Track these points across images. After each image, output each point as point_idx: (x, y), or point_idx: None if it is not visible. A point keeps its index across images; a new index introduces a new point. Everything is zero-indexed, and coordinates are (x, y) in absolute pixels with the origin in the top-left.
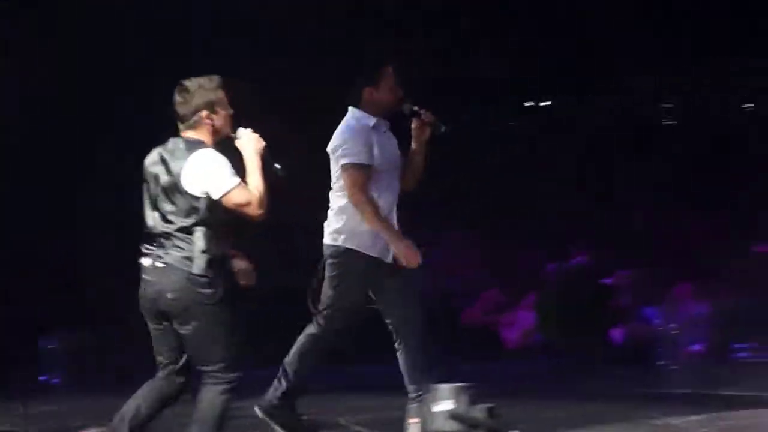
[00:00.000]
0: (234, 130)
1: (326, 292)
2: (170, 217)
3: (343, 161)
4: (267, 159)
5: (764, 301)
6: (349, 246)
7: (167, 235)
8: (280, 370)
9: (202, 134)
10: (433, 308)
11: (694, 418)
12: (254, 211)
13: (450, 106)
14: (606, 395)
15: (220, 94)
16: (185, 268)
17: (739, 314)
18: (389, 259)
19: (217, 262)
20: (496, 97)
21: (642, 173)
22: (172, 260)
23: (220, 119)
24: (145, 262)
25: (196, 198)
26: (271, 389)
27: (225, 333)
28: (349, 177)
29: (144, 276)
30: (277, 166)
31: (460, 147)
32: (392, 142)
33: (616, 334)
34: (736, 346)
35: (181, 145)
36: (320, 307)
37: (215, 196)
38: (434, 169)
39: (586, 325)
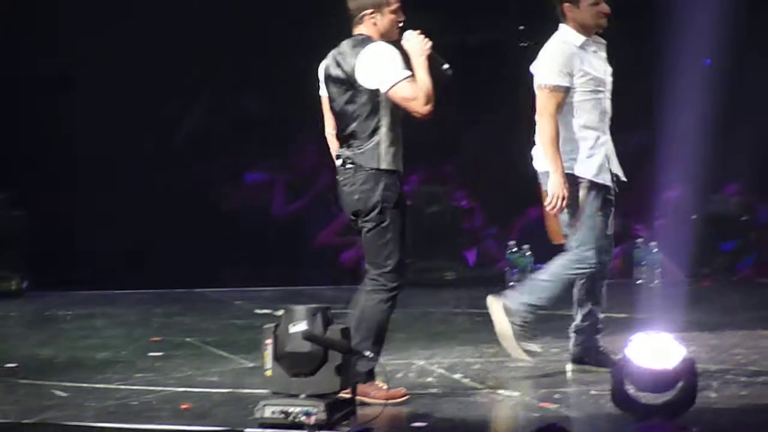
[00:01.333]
0: (401, 36)
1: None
2: (353, 117)
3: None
4: (435, 59)
5: None
6: None
7: (353, 135)
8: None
9: (369, 32)
10: (286, 230)
11: None
12: (420, 106)
13: None
14: (453, 314)
15: None
16: (372, 166)
17: None
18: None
19: (399, 158)
20: None
21: None
22: (359, 159)
23: (384, 20)
24: (337, 163)
25: (374, 92)
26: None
27: (397, 238)
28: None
29: (337, 177)
30: (446, 66)
31: None
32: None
33: (470, 255)
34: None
35: (351, 42)
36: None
37: (383, 89)
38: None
39: (439, 246)
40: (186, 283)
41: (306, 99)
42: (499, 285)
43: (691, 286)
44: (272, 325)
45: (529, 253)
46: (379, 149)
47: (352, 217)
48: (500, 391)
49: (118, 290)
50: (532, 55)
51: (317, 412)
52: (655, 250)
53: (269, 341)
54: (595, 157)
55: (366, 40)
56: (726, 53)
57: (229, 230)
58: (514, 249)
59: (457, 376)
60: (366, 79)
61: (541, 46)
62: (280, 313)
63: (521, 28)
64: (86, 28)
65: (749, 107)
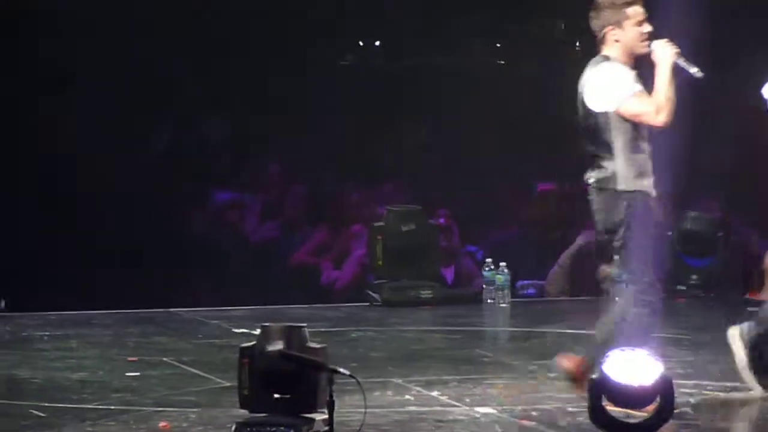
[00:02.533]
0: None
1: None
2: (593, 138)
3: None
4: (680, 65)
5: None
6: None
7: (594, 155)
8: None
9: (610, 50)
10: (261, 252)
11: None
12: (652, 119)
13: None
14: (429, 332)
15: (631, 11)
16: (610, 186)
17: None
18: None
19: (644, 177)
20: None
21: None
22: (599, 181)
23: (627, 35)
24: (589, 182)
25: (604, 114)
26: None
27: (646, 251)
28: None
29: (589, 197)
30: (693, 69)
31: None
32: None
33: (448, 273)
34: (520, 283)
35: (589, 65)
36: None
37: (610, 109)
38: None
39: (417, 264)
40: (161, 303)
41: (269, 120)
42: (477, 303)
43: (667, 302)
44: (249, 344)
45: (506, 270)
46: (617, 170)
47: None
48: (478, 409)
49: (93, 311)
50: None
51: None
52: None
53: (246, 360)
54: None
55: (601, 59)
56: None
57: (202, 250)
58: (491, 266)
59: (434, 393)
60: (593, 103)
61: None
62: (257, 332)
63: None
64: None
65: (721, 120)
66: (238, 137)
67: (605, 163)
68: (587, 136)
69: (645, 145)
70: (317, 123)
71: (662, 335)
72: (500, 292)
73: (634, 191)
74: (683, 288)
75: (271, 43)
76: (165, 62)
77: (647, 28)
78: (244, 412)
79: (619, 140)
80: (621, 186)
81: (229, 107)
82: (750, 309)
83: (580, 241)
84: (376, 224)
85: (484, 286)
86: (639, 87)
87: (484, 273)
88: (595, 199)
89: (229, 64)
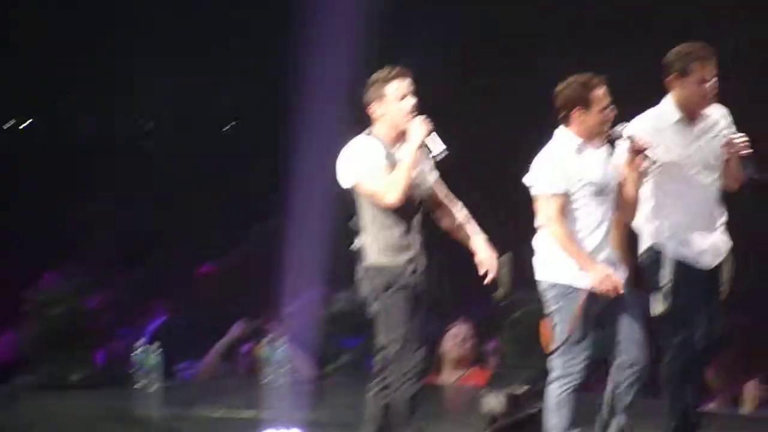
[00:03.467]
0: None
1: None
2: (354, 209)
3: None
4: (429, 144)
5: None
6: None
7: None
8: None
9: (376, 125)
10: None
11: None
12: (382, 199)
13: None
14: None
15: (394, 86)
16: (361, 260)
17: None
18: None
19: (394, 251)
20: None
21: None
22: (357, 252)
23: (390, 109)
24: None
25: (348, 190)
26: None
27: (385, 328)
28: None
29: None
30: (439, 149)
31: None
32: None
33: (100, 356)
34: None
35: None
36: None
37: (347, 186)
38: None
39: (66, 346)
40: None
41: None
42: (127, 385)
43: (318, 383)
44: None
45: (157, 352)
46: (365, 244)
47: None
48: None
49: None
50: None
51: None
52: (284, 347)
53: None
54: None
55: (357, 136)
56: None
57: None
58: (142, 349)
59: None
60: (340, 177)
61: None
62: None
63: None
64: None
65: None
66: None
67: (360, 237)
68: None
69: (401, 221)
70: None
71: (312, 416)
72: (151, 375)
73: (378, 267)
74: (333, 367)
75: None
76: None
77: (410, 101)
78: None
79: (367, 214)
80: (367, 261)
81: None
82: None
83: (235, 329)
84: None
85: (135, 368)
86: (382, 163)
87: (136, 355)
88: (357, 268)
89: None
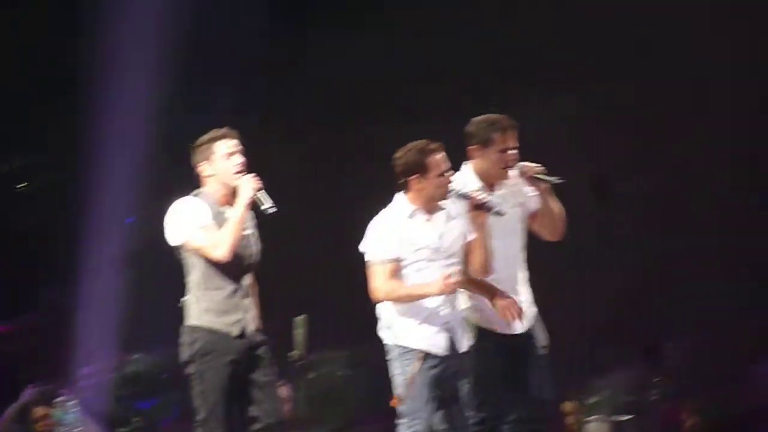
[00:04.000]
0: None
1: None
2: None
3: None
4: (258, 200)
5: None
6: None
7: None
8: None
9: (205, 184)
10: None
11: None
12: (210, 254)
13: None
14: None
15: (218, 145)
16: (185, 320)
17: None
18: None
19: (218, 313)
20: None
21: None
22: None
23: (217, 168)
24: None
25: (177, 247)
26: None
27: (200, 392)
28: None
29: None
30: (268, 204)
31: None
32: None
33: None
34: None
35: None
36: None
37: (174, 243)
38: None
39: None
40: None
41: None
42: None
43: None
44: None
45: (74, 408)
46: (189, 304)
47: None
48: None
49: None
50: None
51: None
52: (75, 410)
53: None
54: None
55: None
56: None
57: None
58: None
59: None
60: (168, 236)
61: None
62: None
63: None
64: None
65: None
66: None
67: (186, 295)
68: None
69: (227, 282)
70: None
71: None
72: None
73: (200, 327)
74: (125, 430)
75: None
76: None
77: (237, 160)
78: None
79: (193, 274)
80: (188, 321)
81: None
82: None
83: (27, 394)
84: None
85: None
86: (209, 221)
87: (52, 412)
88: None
89: None
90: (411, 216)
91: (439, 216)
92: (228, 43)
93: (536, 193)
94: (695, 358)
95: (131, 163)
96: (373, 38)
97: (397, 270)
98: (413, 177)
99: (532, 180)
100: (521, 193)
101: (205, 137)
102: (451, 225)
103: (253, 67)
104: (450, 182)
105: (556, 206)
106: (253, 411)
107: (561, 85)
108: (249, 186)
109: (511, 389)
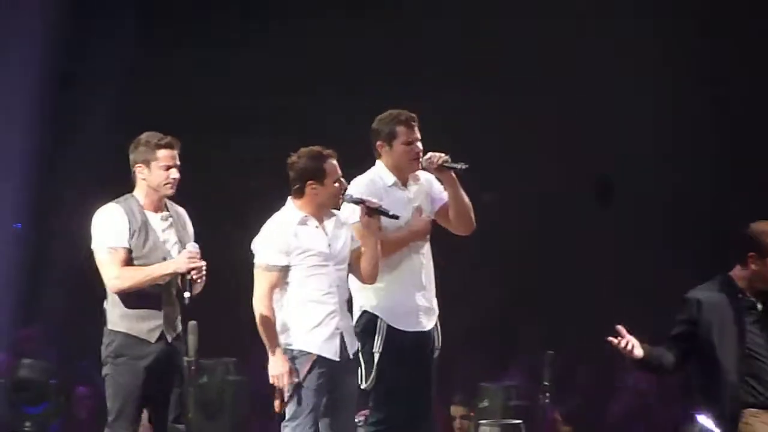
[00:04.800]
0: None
1: None
2: None
3: None
4: (185, 282)
5: None
6: None
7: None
8: None
9: (138, 188)
10: None
11: None
12: (106, 280)
13: None
14: None
15: (161, 153)
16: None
17: None
18: None
19: (136, 318)
20: None
21: None
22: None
23: (152, 176)
24: None
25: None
26: None
27: (111, 400)
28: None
29: None
30: (187, 296)
31: None
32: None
33: None
34: None
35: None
36: None
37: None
38: None
39: None
40: None
41: None
42: None
43: None
44: None
45: None
46: (106, 308)
47: None
48: None
49: None
50: None
51: None
52: None
53: None
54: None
55: (121, 198)
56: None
57: None
58: None
59: None
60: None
61: None
62: None
63: None
64: None
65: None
66: None
67: (106, 299)
68: None
69: (145, 289)
70: None
71: None
72: None
73: (117, 332)
74: None
75: None
76: None
77: (175, 174)
78: None
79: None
80: (108, 325)
81: None
82: None
83: None
84: None
85: None
86: (120, 242)
87: None
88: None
89: None
90: (301, 223)
91: (329, 222)
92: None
93: (445, 185)
94: (573, 366)
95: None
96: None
97: (280, 279)
98: (310, 182)
99: (440, 169)
100: (429, 191)
101: (152, 140)
102: (341, 231)
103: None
104: (344, 188)
105: (464, 198)
106: (166, 415)
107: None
108: (184, 264)
109: (409, 389)
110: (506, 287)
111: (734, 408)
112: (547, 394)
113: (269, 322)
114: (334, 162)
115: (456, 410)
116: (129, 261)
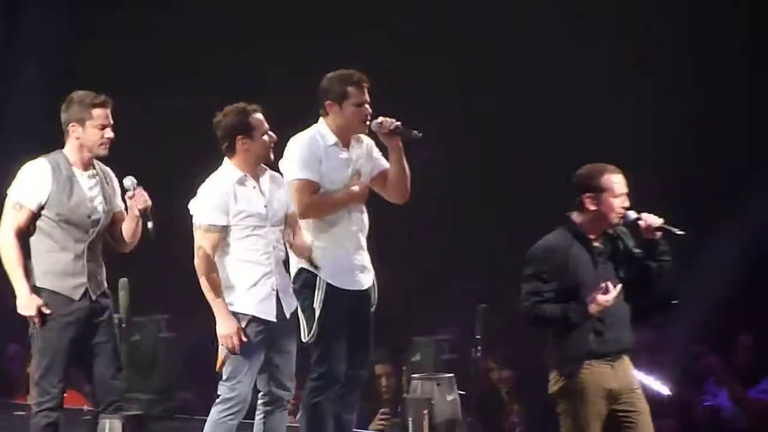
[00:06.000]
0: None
1: None
2: None
3: None
4: (146, 216)
5: None
6: None
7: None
8: None
9: (68, 146)
10: None
11: None
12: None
13: None
14: None
15: (97, 112)
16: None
17: None
18: None
19: (58, 276)
20: None
21: None
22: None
23: (87, 135)
24: None
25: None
26: None
27: (38, 357)
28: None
29: None
30: (150, 225)
31: None
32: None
33: None
34: None
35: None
36: None
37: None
38: None
39: None
40: None
41: None
42: None
43: None
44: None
45: None
46: (32, 267)
47: None
48: None
49: None
50: None
51: None
52: None
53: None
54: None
55: (51, 155)
56: None
57: None
58: None
59: None
60: None
61: None
62: None
63: None
64: None
65: None
66: None
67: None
68: None
69: (69, 245)
70: None
71: None
72: None
73: (42, 288)
74: None
75: None
76: None
77: (109, 134)
78: None
79: (33, 236)
80: (32, 281)
81: None
82: None
83: None
84: None
85: None
86: (30, 201)
87: None
88: None
89: None
90: (240, 182)
91: (265, 180)
92: None
93: (390, 151)
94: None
95: None
96: None
97: (220, 239)
98: (239, 137)
99: (390, 135)
100: (370, 154)
101: (86, 99)
102: (278, 191)
103: None
104: (274, 141)
105: (406, 167)
106: (101, 371)
107: None
108: (141, 201)
109: (350, 344)
110: (441, 244)
111: (580, 356)
112: (479, 348)
113: (215, 282)
114: (260, 116)
115: (380, 369)
116: (30, 222)
